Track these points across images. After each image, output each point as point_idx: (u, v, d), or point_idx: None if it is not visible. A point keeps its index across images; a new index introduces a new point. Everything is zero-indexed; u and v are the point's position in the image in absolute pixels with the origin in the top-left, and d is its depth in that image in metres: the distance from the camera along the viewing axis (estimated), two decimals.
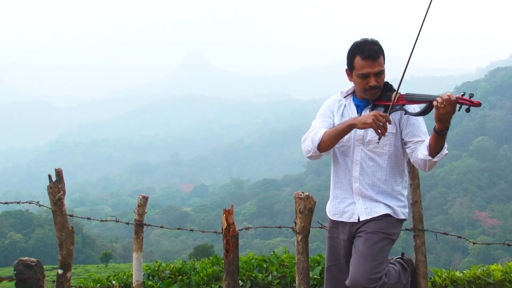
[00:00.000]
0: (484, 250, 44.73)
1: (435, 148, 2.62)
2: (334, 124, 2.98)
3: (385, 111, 2.78)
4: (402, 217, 2.92)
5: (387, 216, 2.85)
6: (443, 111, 2.47)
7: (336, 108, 3.01)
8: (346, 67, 2.89)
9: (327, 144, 2.81)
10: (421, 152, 2.69)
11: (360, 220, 2.86)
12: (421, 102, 2.69)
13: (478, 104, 2.44)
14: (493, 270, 3.75)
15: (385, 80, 2.87)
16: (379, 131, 2.62)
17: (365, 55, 2.75)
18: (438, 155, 2.64)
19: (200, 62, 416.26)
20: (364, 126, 2.66)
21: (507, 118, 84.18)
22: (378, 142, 2.79)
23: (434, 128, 2.57)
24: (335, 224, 3.01)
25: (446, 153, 2.66)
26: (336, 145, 2.95)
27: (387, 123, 2.66)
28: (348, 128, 2.74)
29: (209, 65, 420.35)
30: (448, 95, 2.47)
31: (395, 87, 2.81)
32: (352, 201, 2.91)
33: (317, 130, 2.87)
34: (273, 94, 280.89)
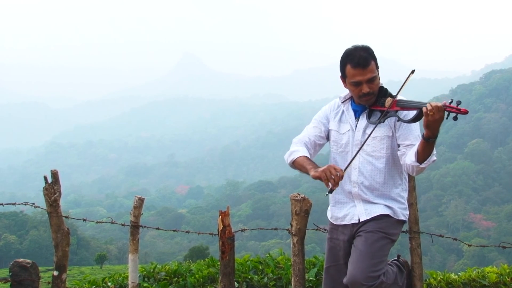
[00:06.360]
0: (478, 252, 44.91)
1: (422, 154, 2.63)
2: (328, 130, 3.03)
3: (380, 116, 2.81)
4: (402, 218, 2.94)
5: (387, 216, 2.87)
6: (432, 118, 2.50)
7: (334, 114, 3.04)
8: (340, 74, 2.91)
9: (296, 168, 2.94)
10: (409, 157, 2.71)
11: (361, 220, 2.89)
12: (412, 109, 2.72)
13: (465, 112, 2.47)
14: (488, 273, 3.78)
15: (382, 82, 2.89)
16: (329, 183, 2.62)
17: (355, 63, 2.76)
18: (425, 162, 2.65)
19: (196, 63, 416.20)
20: (314, 175, 2.69)
21: (502, 120, 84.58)
22: (326, 195, 2.81)
23: (423, 135, 2.58)
24: (336, 225, 3.04)
25: (434, 160, 2.68)
26: (335, 151, 3.00)
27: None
28: (307, 173, 2.81)
29: (205, 66, 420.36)
30: (436, 103, 2.51)
31: (390, 90, 2.83)
32: (353, 204, 2.94)
33: (296, 150, 2.96)
34: (269, 96, 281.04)
